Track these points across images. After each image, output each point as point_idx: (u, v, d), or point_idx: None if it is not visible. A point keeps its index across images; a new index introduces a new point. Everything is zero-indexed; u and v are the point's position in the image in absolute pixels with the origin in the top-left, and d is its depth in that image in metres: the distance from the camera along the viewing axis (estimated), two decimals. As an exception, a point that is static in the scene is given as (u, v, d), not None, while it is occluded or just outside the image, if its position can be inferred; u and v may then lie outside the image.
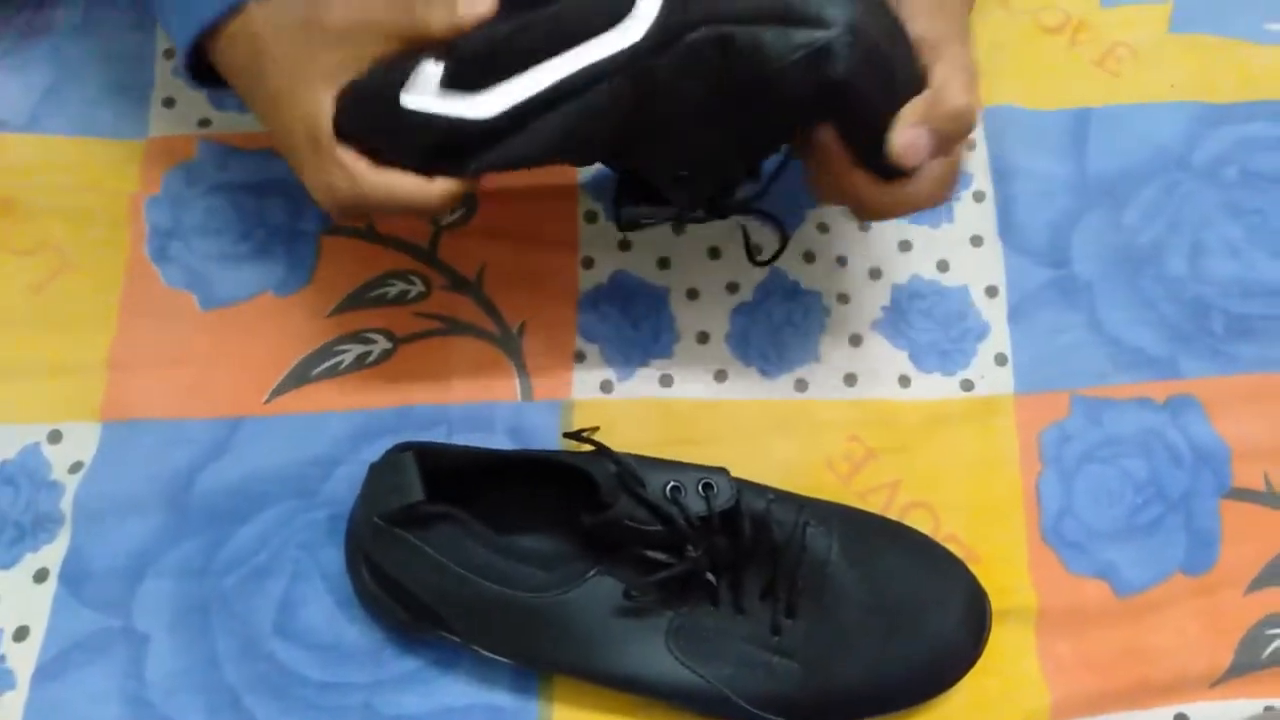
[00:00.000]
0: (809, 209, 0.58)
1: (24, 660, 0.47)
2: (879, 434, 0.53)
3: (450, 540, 0.45)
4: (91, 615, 0.48)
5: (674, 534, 0.43)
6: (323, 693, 0.46)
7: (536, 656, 0.45)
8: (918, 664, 0.45)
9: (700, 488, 0.44)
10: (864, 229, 0.57)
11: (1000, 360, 0.54)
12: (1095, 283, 0.56)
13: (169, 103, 0.58)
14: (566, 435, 0.48)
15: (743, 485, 0.46)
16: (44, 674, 0.47)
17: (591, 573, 0.44)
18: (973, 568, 0.49)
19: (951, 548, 0.50)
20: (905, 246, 0.57)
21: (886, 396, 0.53)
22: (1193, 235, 0.57)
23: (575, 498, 0.45)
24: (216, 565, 0.49)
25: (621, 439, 0.51)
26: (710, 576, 0.44)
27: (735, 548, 0.44)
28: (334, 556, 0.48)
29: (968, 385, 0.54)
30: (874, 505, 0.51)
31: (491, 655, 0.45)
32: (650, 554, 0.44)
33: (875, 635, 0.45)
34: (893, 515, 0.51)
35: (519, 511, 0.48)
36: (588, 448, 0.46)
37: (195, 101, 0.58)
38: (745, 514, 0.45)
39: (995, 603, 0.49)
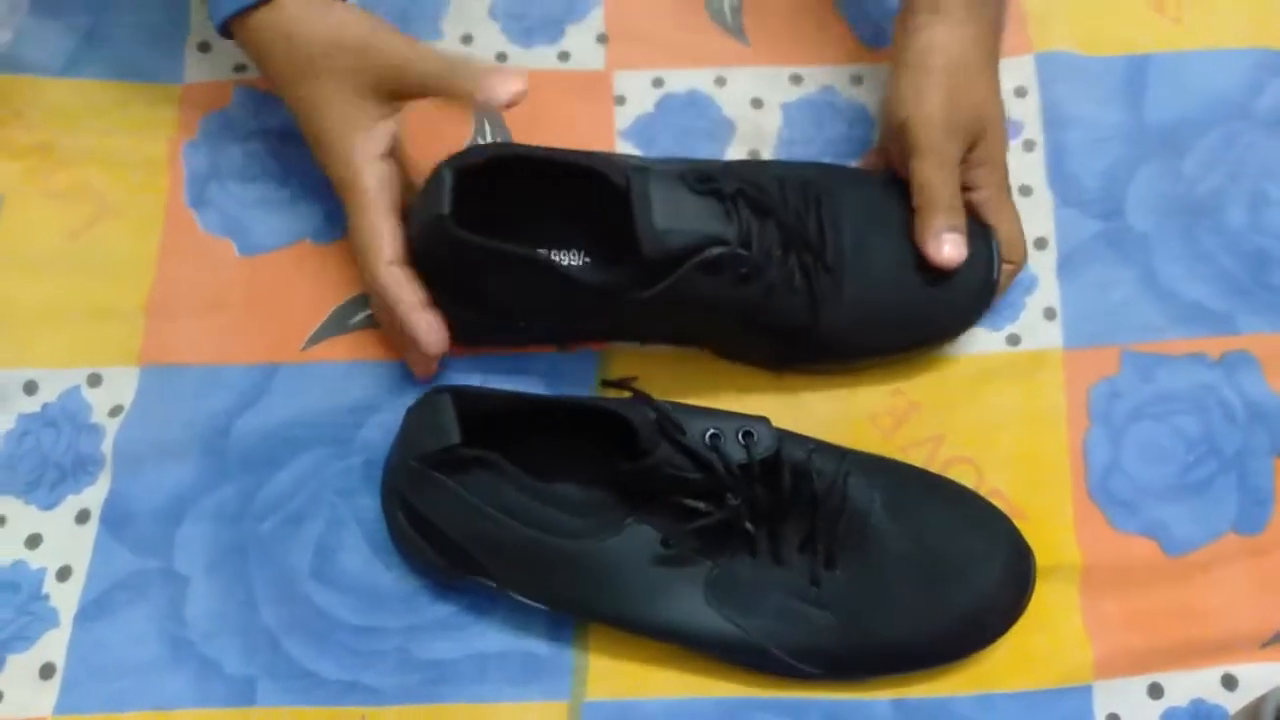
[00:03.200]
0: (853, 159, 0.56)
1: (67, 600, 0.48)
2: (923, 388, 0.52)
3: (487, 484, 0.45)
4: (132, 557, 0.48)
5: (713, 482, 0.43)
6: (358, 636, 0.47)
7: (572, 603, 0.45)
8: (959, 618, 0.45)
9: (740, 436, 0.43)
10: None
11: (1049, 314, 0.53)
12: (1150, 235, 0.54)
13: (204, 47, 0.58)
14: (605, 384, 0.48)
15: (784, 435, 0.45)
16: (86, 613, 0.47)
17: (629, 521, 0.44)
18: (1016, 524, 0.48)
19: (995, 503, 0.49)
20: (952, 197, 0.56)
21: (931, 351, 0.52)
22: (1253, 186, 0.55)
23: (613, 445, 0.45)
24: (254, 510, 0.49)
25: (658, 390, 0.51)
26: (749, 526, 0.44)
27: (775, 497, 0.44)
28: (369, 503, 0.49)
29: (1014, 340, 0.53)
30: (916, 460, 0.50)
31: (527, 601, 0.45)
32: (689, 502, 0.43)
33: (916, 589, 0.44)
34: (935, 469, 0.50)
35: (556, 458, 0.47)
36: (626, 394, 0.46)
37: (230, 47, 0.58)
38: (786, 463, 0.44)
39: (1039, 559, 0.48)
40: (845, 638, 0.44)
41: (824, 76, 0.58)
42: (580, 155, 0.48)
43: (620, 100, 0.58)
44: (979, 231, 0.50)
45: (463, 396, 0.45)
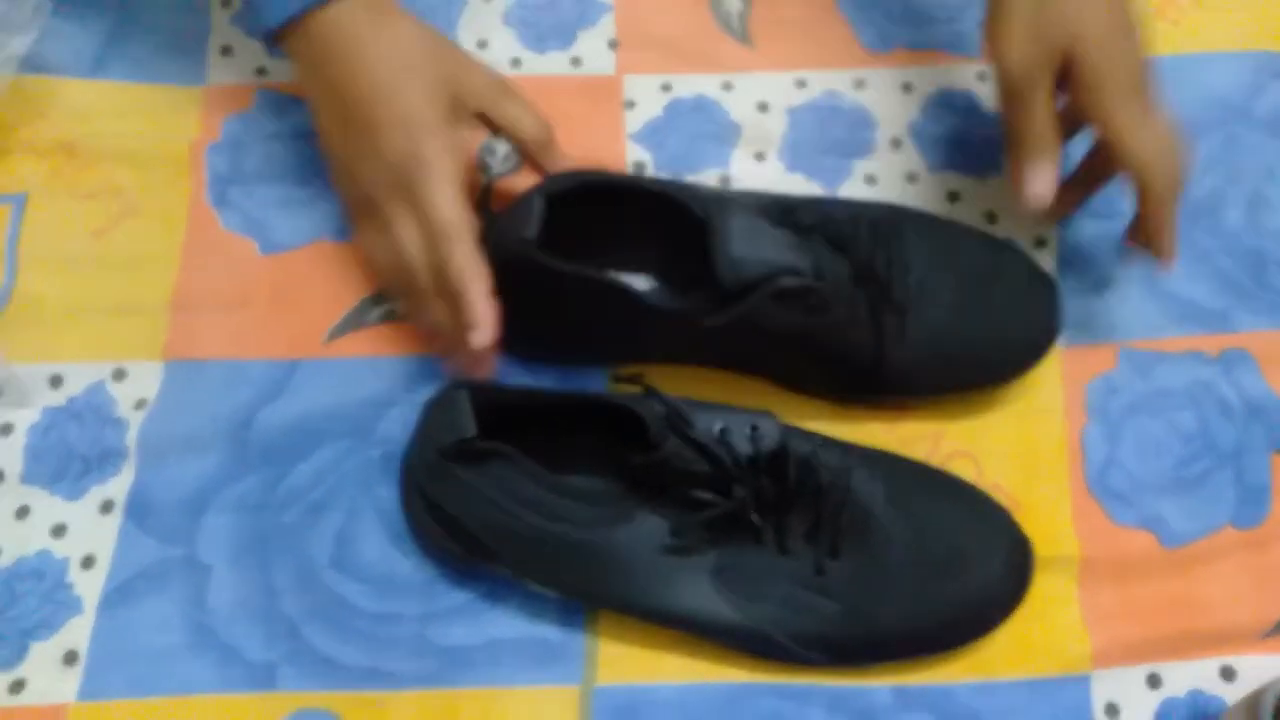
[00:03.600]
0: (857, 160, 0.58)
1: (91, 587, 0.48)
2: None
3: (502, 476, 0.46)
4: (155, 546, 0.49)
5: (720, 474, 0.44)
6: (377, 623, 0.48)
7: (583, 591, 0.46)
8: (960, 608, 0.46)
9: (747, 430, 0.44)
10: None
11: (1049, 312, 0.54)
12: (1148, 235, 0.55)
13: (226, 50, 0.59)
14: (615, 379, 0.49)
15: (789, 429, 0.46)
16: (110, 601, 0.48)
17: (638, 511, 0.45)
18: (1015, 516, 0.49)
19: (995, 497, 0.50)
20: (953, 197, 0.57)
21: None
22: (1252, 187, 0.56)
23: (624, 438, 0.46)
24: (275, 500, 0.50)
25: (662, 384, 0.52)
26: (755, 517, 0.45)
27: (781, 489, 0.45)
28: (388, 494, 0.50)
29: (1015, 336, 0.54)
30: (917, 453, 0.51)
31: (539, 588, 0.46)
32: (697, 494, 0.44)
33: (918, 579, 0.45)
34: (935, 464, 0.51)
35: (569, 450, 0.48)
36: (636, 388, 0.47)
37: (252, 50, 0.60)
38: (791, 457, 0.45)
39: (1038, 551, 0.49)
40: (848, 626, 0.45)
41: (828, 81, 0.59)
42: (664, 184, 0.49)
43: (630, 105, 0.59)
44: (1041, 279, 0.51)
45: (479, 392, 0.47)
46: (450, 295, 0.47)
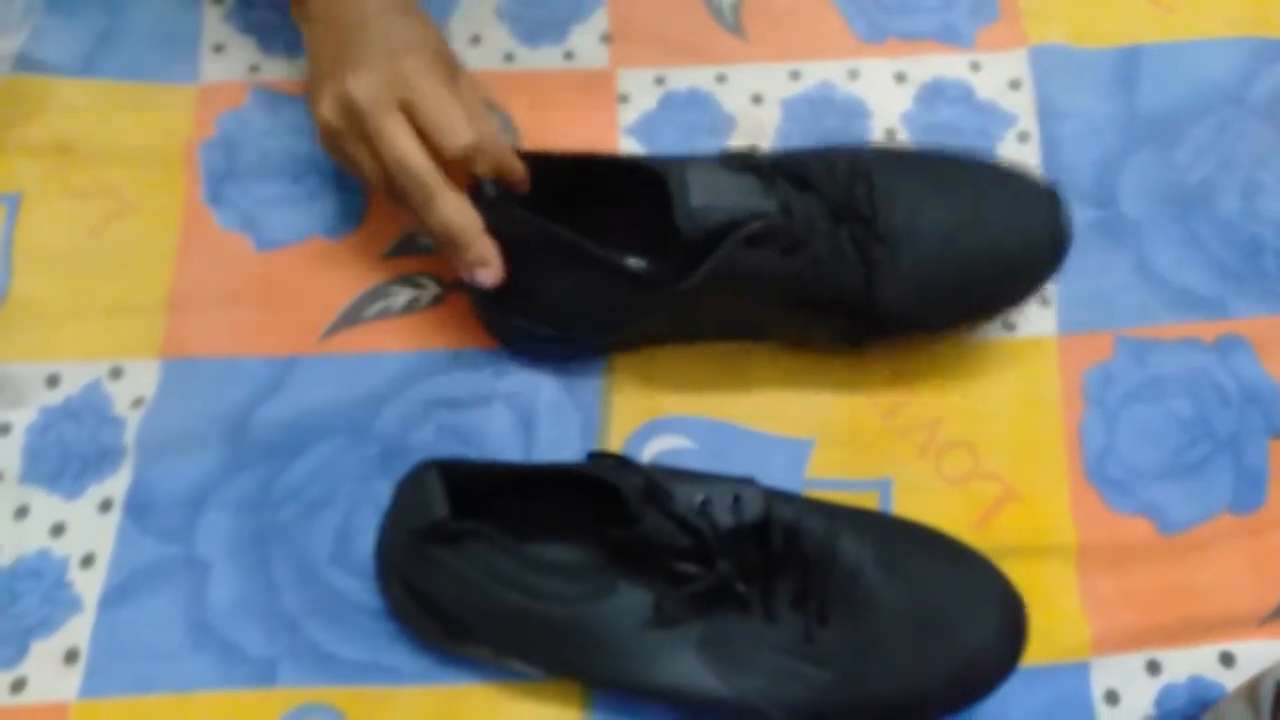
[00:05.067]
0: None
1: (90, 586, 0.49)
2: (921, 374, 0.53)
3: (478, 555, 0.45)
4: (154, 544, 0.49)
5: (702, 547, 0.42)
6: (377, 618, 0.48)
7: (568, 668, 0.45)
8: (953, 672, 0.44)
9: (729, 500, 0.43)
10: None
11: (1044, 301, 0.54)
12: (1143, 223, 0.55)
13: (219, 48, 0.59)
14: (591, 456, 0.47)
15: (772, 495, 0.45)
16: (109, 599, 0.48)
17: (620, 584, 0.44)
18: (1013, 506, 0.49)
19: (992, 486, 0.50)
20: (950, 187, 0.57)
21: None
22: (1247, 174, 0.56)
23: (603, 507, 0.45)
24: (273, 497, 0.50)
25: (664, 381, 0.52)
26: (740, 586, 0.43)
27: (765, 558, 0.43)
28: (385, 489, 0.49)
29: (1010, 326, 0.54)
30: (914, 444, 0.51)
31: (524, 667, 0.46)
32: (680, 567, 0.43)
33: (910, 644, 0.44)
34: (932, 454, 0.51)
35: (546, 522, 0.47)
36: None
37: (245, 47, 0.59)
38: (775, 524, 0.43)
39: (1035, 540, 0.49)
40: (841, 694, 0.43)
41: (821, 71, 0.59)
42: (621, 156, 0.49)
43: (624, 98, 0.59)
44: (1042, 191, 0.49)
45: (450, 470, 0.46)
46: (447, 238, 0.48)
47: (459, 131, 0.46)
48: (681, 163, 0.46)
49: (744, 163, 0.46)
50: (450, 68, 0.50)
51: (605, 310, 0.49)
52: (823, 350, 0.51)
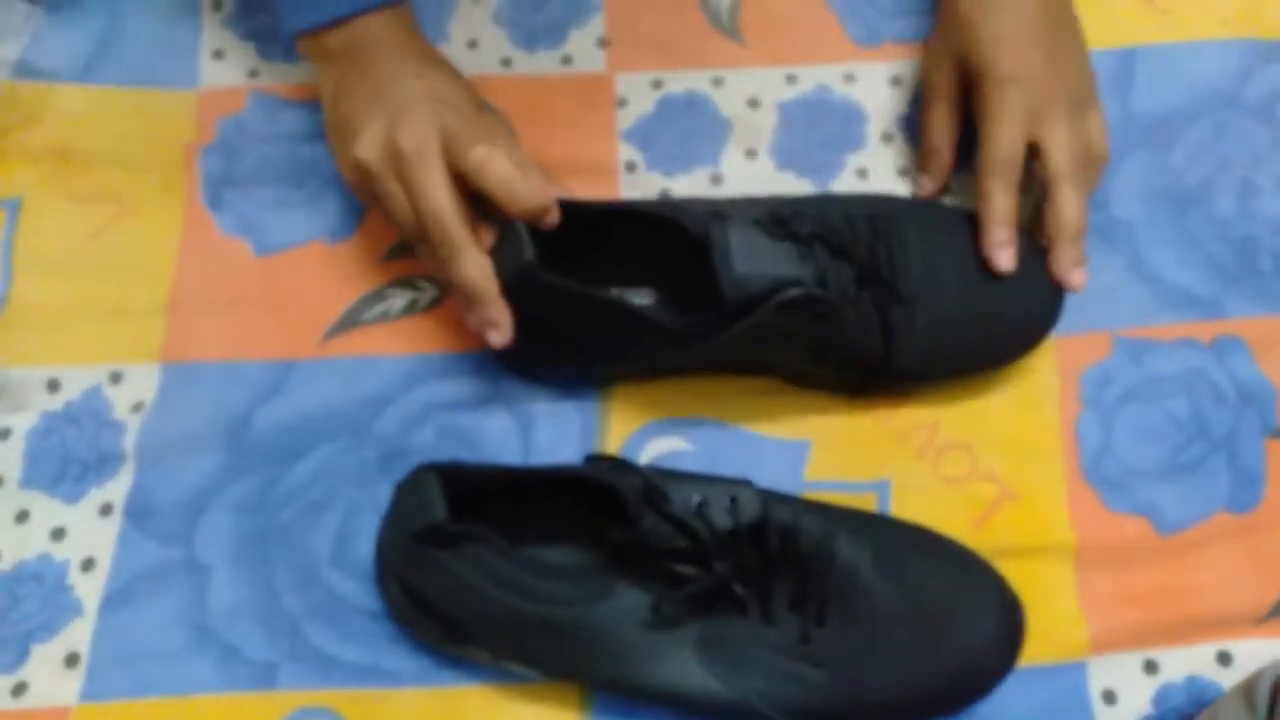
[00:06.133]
0: (848, 154, 0.58)
1: (91, 589, 0.49)
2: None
3: (477, 557, 0.45)
4: (155, 548, 0.49)
5: (700, 549, 0.43)
6: (377, 621, 0.48)
7: (566, 670, 0.45)
8: (950, 674, 0.44)
9: (726, 501, 0.43)
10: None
11: (1042, 301, 0.54)
12: (1137, 224, 0.56)
13: (218, 54, 0.60)
14: (589, 459, 0.48)
15: (769, 497, 0.45)
16: (111, 603, 0.48)
17: (618, 586, 0.44)
18: (1010, 506, 0.49)
19: (990, 487, 0.50)
20: (944, 189, 0.57)
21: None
22: (1242, 174, 0.56)
23: (600, 510, 0.45)
24: (273, 500, 0.50)
25: (661, 384, 0.52)
26: (738, 588, 0.43)
27: (763, 559, 0.44)
28: (385, 492, 0.50)
29: (1009, 326, 0.54)
30: (912, 445, 0.51)
31: (521, 669, 0.46)
32: (677, 568, 0.43)
33: (907, 645, 0.44)
34: (930, 455, 0.51)
35: (545, 525, 0.48)
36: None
37: (244, 53, 0.60)
38: (772, 526, 0.44)
39: (1033, 540, 0.49)
40: (838, 695, 0.43)
41: (818, 75, 0.60)
42: (655, 206, 0.49)
43: (621, 102, 0.59)
44: (1041, 253, 0.51)
45: (449, 473, 0.46)
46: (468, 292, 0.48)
47: (529, 196, 0.47)
48: (719, 220, 0.47)
49: (782, 228, 0.47)
50: (488, 118, 0.51)
51: (629, 353, 0.50)
52: (820, 391, 0.52)
